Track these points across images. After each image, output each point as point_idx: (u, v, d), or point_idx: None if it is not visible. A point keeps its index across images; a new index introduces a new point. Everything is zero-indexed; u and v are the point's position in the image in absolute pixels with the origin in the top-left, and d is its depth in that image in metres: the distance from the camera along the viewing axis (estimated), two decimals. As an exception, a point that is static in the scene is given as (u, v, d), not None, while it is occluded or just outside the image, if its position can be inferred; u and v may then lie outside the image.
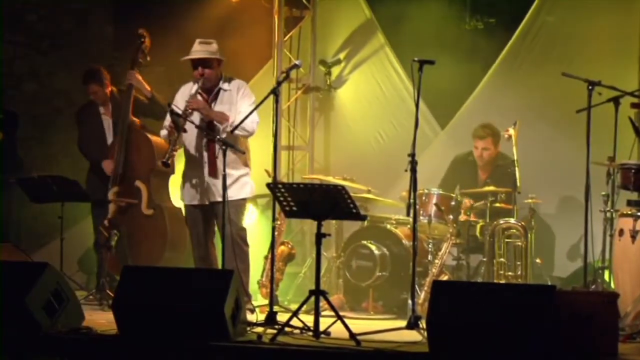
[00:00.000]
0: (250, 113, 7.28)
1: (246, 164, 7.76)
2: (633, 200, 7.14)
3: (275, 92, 7.00)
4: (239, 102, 7.65)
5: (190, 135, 7.64)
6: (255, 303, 7.75)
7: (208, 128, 7.57)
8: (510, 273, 7.94)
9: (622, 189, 7.29)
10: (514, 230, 7.97)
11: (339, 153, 9.95)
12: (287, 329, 6.38)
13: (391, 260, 8.28)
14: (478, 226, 8.20)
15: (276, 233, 7.34)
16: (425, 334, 5.88)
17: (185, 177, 7.79)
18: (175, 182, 8.26)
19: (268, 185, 6.66)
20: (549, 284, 7.77)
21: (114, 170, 8.40)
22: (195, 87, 7.67)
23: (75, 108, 9.16)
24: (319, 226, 6.47)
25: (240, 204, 7.72)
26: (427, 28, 9.13)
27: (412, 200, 6.71)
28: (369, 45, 9.81)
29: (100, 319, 6.96)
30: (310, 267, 8.70)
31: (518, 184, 7.94)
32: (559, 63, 8.62)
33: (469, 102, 9.32)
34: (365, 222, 8.41)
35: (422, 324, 6.30)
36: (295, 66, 7.38)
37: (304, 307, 6.61)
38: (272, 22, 9.92)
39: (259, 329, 6.46)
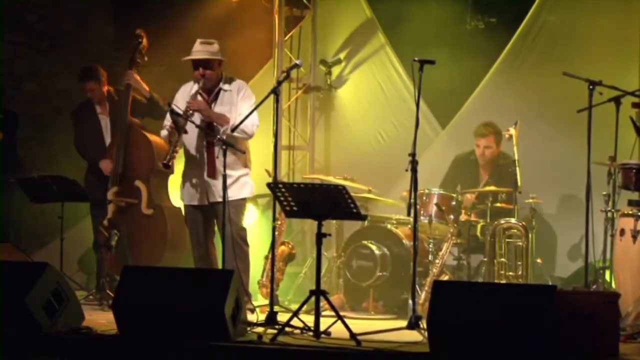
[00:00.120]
0: (251, 113, 7.26)
1: (246, 164, 7.75)
2: (634, 200, 7.14)
3: (275, 91, 6.99)
4: (239, 104, 7.64)
5: (190, 136, 7.63)
6: (255, 303, 7.74)
7: (208, 128, 7.56)
8: (511, 273, 7.93)
9: (623, 188, 7.28)
10: (515, 230, 7.96)
11: (340, 153, 9.95)
12: (287, 329, 6.37)
13: (392, 260, 8.27)
14: (479, 226, 8.20)
15: (276, 233, 7.34)
16: (426, 334, 5.88)
17: (185, 177, 7.78)
18: (174, 182, 8.26)
19: (268, 185, 6.65)
20: (550, 284, 7.77)
21: (113, 170, 8.40)
22: (196, 87, 7.66)
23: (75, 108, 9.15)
24: (320, 226, 6.46)
25: (240, 203, 7.72)
26: (428, 28, 9.12)
27: (412, 200, 6.70)
28: (369, 45, 9.81)
29: (100, 319, 6.95)
30: (310, 267, 8.69)
31: (519, 183, 7.93)
32: (559, 63, 8.62)
33: (470, 102, 9.31)
34: (366, 222, 8.41)
35: (423, 324, 6.30)
36: (296, 66, 7.37)
37: (305, 307, 6.61)
38: (273, 21, 9.91)
39: (260, 329, 6.45)
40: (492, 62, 9.24)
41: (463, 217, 8.12)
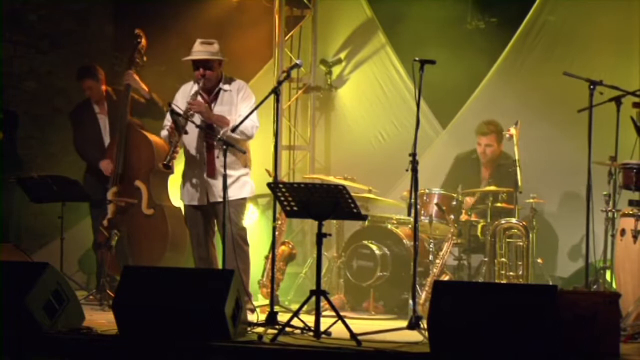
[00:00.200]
0: (251, 113, 7.25)
1: (246, 164, 7.75)
2: (635, 200, 7.13)
3: (276, 91, 6.98)
4: (239, 105, 7.63)
5: (190, 136, 7.62)
6: (255, 303, 7.74)
7: (208, 128, 7.55)
8: (511, 273, 7.92)
9: (624, 188, 7.28)
10: (515, 230, 7.95)
11: (340, 153, 9.94)
12: (287, 329, 6.37)
13: (392, 260, 8.27)
14: (479, 226, 8.19)
15: (277, 233, 7.33)
16: (426, 334, 5.88)
17: (185, 177, 7.78)
18: (174, 182, 8.25)
19: (269, 185, 6.65)
20: (551, 284, 7.77)
21: (114, 170, 8.39)
22: (195, 87, 7.65)
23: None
24: (320, 226, 6.46)
25: (240, 203, 7.71)
26: (429, 27, 9.11)
27: (413, 200, 6.69)
28: (369, 44, 9.80)
29: (101, 319, 6.96)
30: (311, 267, 8.69)
31: (519, 183, 7.92)
32: (560, 62, 8.61)
33: (471, 102, 9.31)
34: (366, 222, 8.41)
35: (423, 324, 6.29)
36: (296, 66, 7.36)
37: (305, 307, 6.61)
38: (273, 21, 9.91)
39: (260, 329, 6.45)
40: (492, 62, 9.23)
41: (463, 217, 8.11)
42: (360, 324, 6.94)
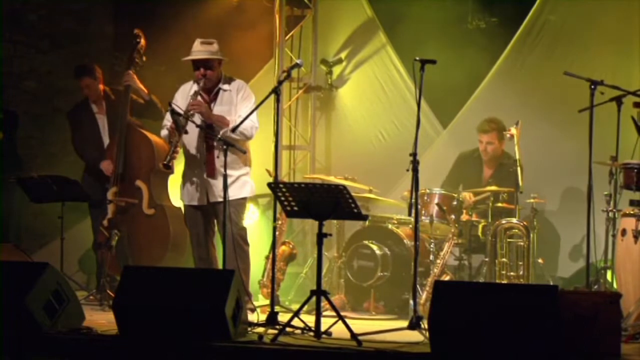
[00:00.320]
0: (251, 113, 7.24)
1: (246, 164, 7.74)
2: (636, 200, 7.11)
3: (276, 91, 6.97)
4: (239, 105, 7.63)
5: (190, 136, 7.62)
6: (256, 303, 7.73)
7: (208, 128, 7.54)
8: (512, 273, 7.91)
9: (625, 188, 7.27)
10: (516, 230, 7.94)
11: (341, 153, 9.93)
12: (288, 329, 6.36)
13: (393, 260, 8.26)
14: (480, 226, 8.18)
15: (277, 233, 7.33)
16: (427, 334, 5.87)
17: (185, 177, 7.77)
18: (174, 182, 8.24)
19: (269, 184, 6.64)
20: (551, 284, 7.76)
21: (114, 170, 8.38)
22: (195, 87, 7.64)
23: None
24: (320, 226, 6.45)
25: (240, 203, 7.70)
26: (429, 27, 9.10)
27: (413, 200, 6.69)
28: (370, 44, 9.80)
29: (101, 319, 6.95)
30: (311, 267, 8.68)
31: (520, 183, 7.91)
32: (561, 62, 8.60)
33: (471, 102, 9.30)
34: (367, 222, 8.40)
35: (424, 324, 6.29)
36: (297, 65, 7.35)
37: (305, 307, 6.60)
38: (273, 21, 9.90)
39: (260, 329, 6.44)
40: (493, 61, 9.23)
41: (464, 217, 8.10)
42: (361, 324, 6.93)
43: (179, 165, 7.94)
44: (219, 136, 7.38)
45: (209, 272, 7.12)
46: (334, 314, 6.39)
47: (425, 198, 8.16)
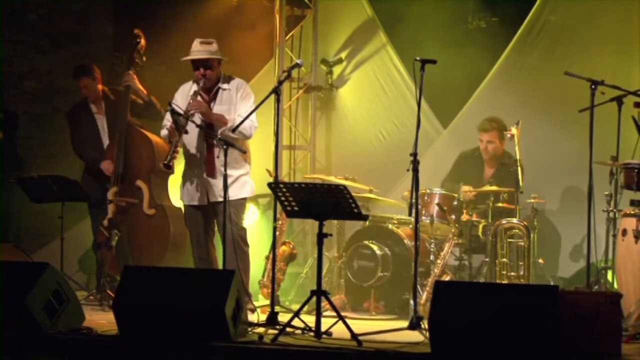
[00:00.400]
0: (252, 112, 7.24)
1: (246, 164, 7.73)
2: (636, 200, 7.11)
3: (276, 91, 6.97)
4: (238, 104, 7.63)
5: (190, 135, 7.61)
6: (256, 303, 7.73)
7: (208, 128, 7.54)
8: (512, 273, 7.91)
9: (625, 188, 7.26)
10: (517, 230, 7.94)
11: (341, 152, 9.93)
12: (288, 329, 6.36)
13: (393, 260, 8.25)
14: (480, 226, 8.17)
15: (277, 233, 7.32)
16: (427, 334, 5.87)
17: (185, 177, 7.76)
18: (175, 182, 8.23)
19: (269, 184, 6.63)
20: (552, 284, 7.75)
21: (114, 170, 8.37)
22: (195, 87, 7.64)
23: (75, 108, 9.13)
24: (321, 226, 6.44)
25: (240, 203, 7.70)
26: (429, 27, 9.10)
27: (414, 200, 6.68)
28: (370, 44, 9.79)
29: (101, 320, 6.95)
30: (311, 267, 8.67)
31: (520, 183, 7.91)
32: (561, 62, 8.59)
33: (472, 102, 9.29)
34: (367, 222, 8.39)
35: (424, 324, 6.28)
36: (297, 65, 7.35)
37: (306, 308, 6.60)
38: (274, 21, 9.90)
39: (260, 330, 6.44)
40: (493, 61, 9.22)
41: (465, 217, 8.10)
42: (361, 324, 6.92)
43: (179, 165, 7.93)
44: (219, 136, 7.37)
45: (209, 272, 7.12)
46: (334, 314, 6.39)
47: (426, 198, 8.16)
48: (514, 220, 7.96)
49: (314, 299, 6.40)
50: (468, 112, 9.27)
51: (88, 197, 8.40)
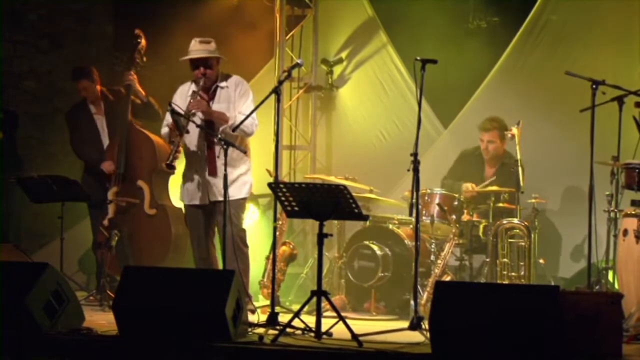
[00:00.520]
0: (252, 112, 7.23)
1: (246, 163, 7.72)
2: (637, 200, 7.10)
3: (276, 91, 6.96)
4: (237, 101, 7.62)
5: (190, 135, 7.60)
6: (256, 304, 7.72)
7: (209, 127, 7.53)
8: (513, 273, 7.90)
9: (627, 188, 7.25)
10: (517, 230, 7.93)
11: (341, 152, 9.92)
12: (288, 329, 6.35)
13: (393, 260, 8.24)
14: (481, 226, 8.16)
15: (278, 233, 7.31)
16: (428, 334, 5.86)
17: (186, 177, 7.75)
18: (175, 183, 8.22)
19: (269, 185, 6.62)
20: (553, 284, 7.74)
21: (115, 170, 8.36)
22: (193, 87, 7.63)
23: (75, 108, 9.12)
24: (321, 226, 6.44)
25: (241, 203, 7.68)
26: (430, 27, 9.10)
27: (414, 200, 6.67)
28: (371, 44, 9.78)
29: (101, 320, 6.94)
30: (312, 268, 8.66)
31: (521, 183, 7.90)
32: (562, 62, 8.60)
33: (472, 102, 9.29)
34: (368, 222, 8.38)
35: (425, 324, 6.27)
36: (297, 65, 7.34)
37: (306, 308, 6.59)
38: (274, 20, 9.89)
39: (261, 330, 6.43)
40: (494, 61, 9.21)
41: (465, 217, 8.09)
42: (362, 325, 6.92)
43: (179, 165, 7.91)
44: (220, 136, 7.35)
45: (209, 272, 7.11)
46: (334, 314, 6.38)
47: (426, 198, 8.15)
48: (515, 220, 7.95)
49: (314, 299, 6.39)
50: (469, 112, 9.26)
51: (88, 197, 8.39)
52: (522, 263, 7.90)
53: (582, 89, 7.34)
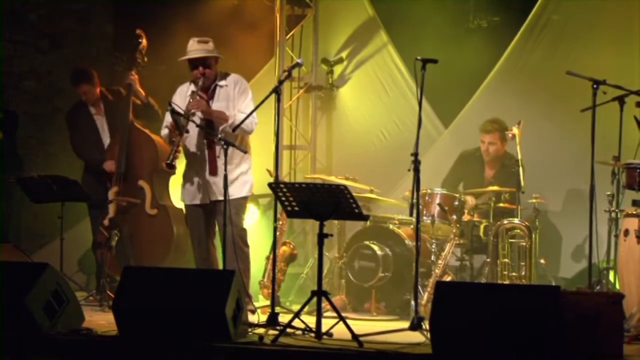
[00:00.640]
0: (252, 112, 7.23)
1: (246, 163, 7.71)
2: (638, 200, 7.09)
3: (277, 91, 6.95)
4: (236, 100, 7.61)
5: (190, 135, 7.60)
6: (256, 304, 7.71)
7: (209, 127, 7.53)
8: (514, 274, 7.89)
9: (627, 188, 7.24)
10: (518, 231, 7.92)
11: (342, 152, 9.91)
12: (288, 330, 6.34)
13: (394, 260, 8.24)
14: (482, 226, 8.16)
15: (278, 233, 7.30)
16: (429, 335, 5.85)
17: (186, 177, 7.74)
18: (175, 183, 8.21)
19: (270, 185, 6.61)
20: (553, 284, 7.73)
21: (116, 170, 8.35)
22: (192, 87, 7.63)
23: (75, 108, 9.12)
24: (321, 226, 6.43)
25: (241, 203, 7.68)
26: (430, 26, 9.09)
27: (415, 200, 6.66)
28: (371, 43, 9.78)
29: (101, 320, 6.94)
30: (312, 268, 8.66)
31: (522, 183, 7.89)
32: (563, 61, 8.60)
33: (473, 101, 9.28)
34: (368, 222, 8.37)
35: (425, 325, 6.26)
36: (297, 65, 7.33)
37: (306, 308, 6.59)
38: (274, 20, 9.88)
39: (261, 330, 6.42)
40: (495, 61, 9.21)
41: (466, 217, 8.08)
42: (362, 325, 6.91)
43: (179, 165, 7.90)
44: (220, 136, 7.35)
45: (209, 272, 7.10)
46: (334, 314, 6.37)
47: (427, 198, 8.14)
48: (516, 220, 7.94)
49: (315, 299, 6.39)
50: (469, 112, 9.26)
51: (88, 197, 8.38)
52: (522, 263, 7.89)
53: (583, 89, 7.33)
